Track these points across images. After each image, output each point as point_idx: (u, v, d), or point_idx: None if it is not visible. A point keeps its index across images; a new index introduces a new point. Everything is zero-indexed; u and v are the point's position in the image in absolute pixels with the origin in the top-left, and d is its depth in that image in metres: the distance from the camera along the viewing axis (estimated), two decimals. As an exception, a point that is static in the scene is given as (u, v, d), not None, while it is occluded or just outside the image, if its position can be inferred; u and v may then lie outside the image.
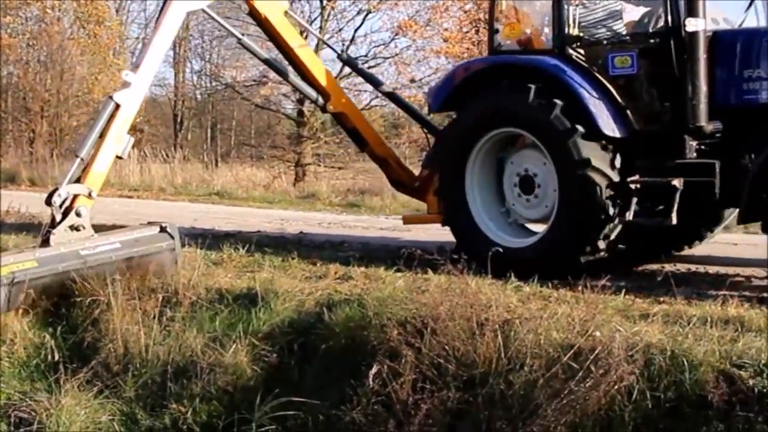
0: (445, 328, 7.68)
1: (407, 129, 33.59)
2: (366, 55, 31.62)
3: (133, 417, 8.50)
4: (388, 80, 31.16)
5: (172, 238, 11.00)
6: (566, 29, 10.80)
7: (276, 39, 12.93)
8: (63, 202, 10.48)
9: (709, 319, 7.86)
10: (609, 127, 10.26)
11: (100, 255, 10.41)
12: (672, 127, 10.16)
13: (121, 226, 11.96)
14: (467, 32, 30.27)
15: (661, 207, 10.06)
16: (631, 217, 10.06)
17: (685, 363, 6.96)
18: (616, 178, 10.18)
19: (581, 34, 10.85)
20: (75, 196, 10.61)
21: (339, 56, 14.59)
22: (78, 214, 10.53)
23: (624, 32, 10.87)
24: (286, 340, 8.77)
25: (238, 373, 8.51)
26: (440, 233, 13.94)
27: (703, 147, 10.21)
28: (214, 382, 8.46)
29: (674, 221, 9.84)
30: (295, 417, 7.94)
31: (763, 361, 6.70)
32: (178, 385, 8.55)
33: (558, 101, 10.25)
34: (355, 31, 31.26)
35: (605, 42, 10.77)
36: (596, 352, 7.11)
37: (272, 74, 32.77)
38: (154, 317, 9.25)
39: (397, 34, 31.47)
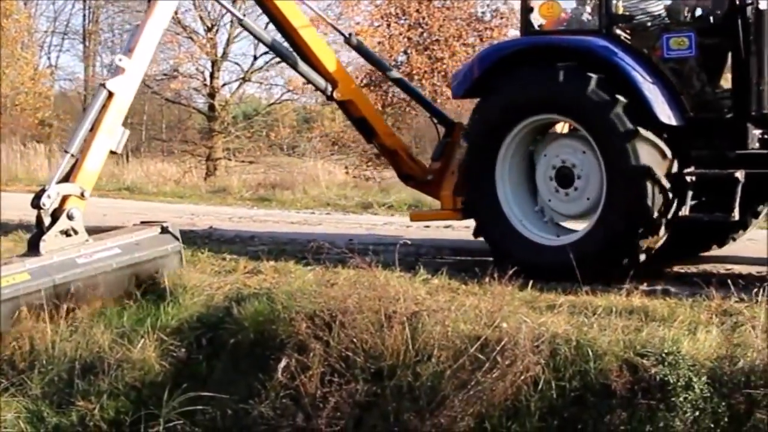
0: (353, 321, 7.68)
1: (319, 123, 33.61)
2: (278, 49, 31.50)
3: (39, 415, 8.33)
4: (300, 74, 31.15)
5: (177, 239, 10.18)
6: (613, 8, 10.06)
7: (279, 21, 12.08)
8: (52, 203, 9.49)
9: (614, 310, 8.00)
10: (665, 114, 9.56)
11: (100, 263, 9.47)
12: (733, 115, 9.60)
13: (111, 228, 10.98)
14: (378, 26, 30.31)
15: (715, 201, 9.49)
16: (687, 212, 9.47)
17: (590, 352, 7.06)
18: (670, 189, 9.44)
19: (629, 13, 10.17)
20: (65, 197, 9.62)
21: (347, 40, 13.40)
22: (70, 217, 9.51)
23: (664, 14, 10.23)
24: (195, 335, 8.70)
25: (146, 369, 8.41)
26: (350, 227, 13.99)
27: (766, 136, 9.61)
28: (122, 378, 8.35)
29: (737, 217, 9.27)
30: (203, 412, 7.87)
31: (665, 350, 6.80)
32: (86, 382, 8.39)
33: (621, 98, 9.48)
34: (267, 24, 31.07)
35: (654, 22, 10.15)
36: (503, 343, 7.17)
37: (183, 68, 32.75)
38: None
39: (308, 29, 31.42)
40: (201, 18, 32.04)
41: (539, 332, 7.29)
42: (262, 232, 13.72)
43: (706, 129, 9.69)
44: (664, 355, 6.74)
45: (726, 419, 6.38)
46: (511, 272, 8.23)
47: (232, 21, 31.06)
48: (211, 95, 31.88)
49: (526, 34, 10.77)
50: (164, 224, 10.22)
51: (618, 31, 10.05)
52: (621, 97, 9.48)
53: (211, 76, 31.95)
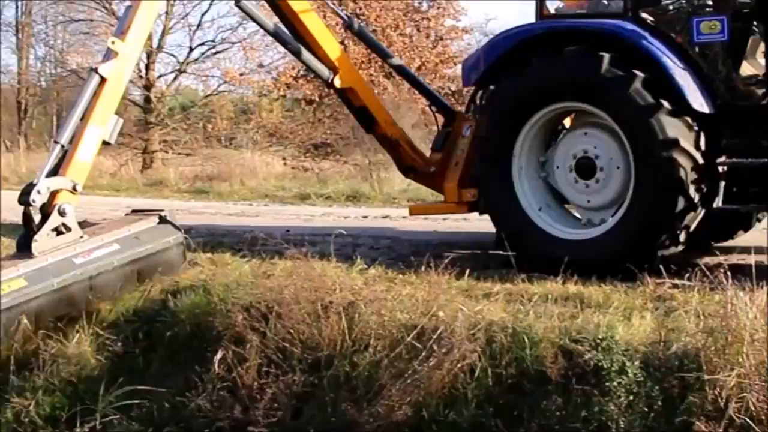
0: (290, 311, 7.68)
1: (256, 114, 33.48)
2: (213, 40, 31.42)
3: (-26, 412, 8.26)
4: (236, 65, 31.08)
5: (178, 229, 9.62)
6: None
7: (278, 6, 11.41)
8: (42, 199, 8.78)
9: (549, 297, 8.04)
10: (697, 101, 9.08)
11: (99, 261, 8.83)
12: (767, 102, 9.22)
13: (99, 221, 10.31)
14: (315, 17, 30.26)
15: (750, 191, 9.07)
16: (720, 204, 9.15)
17: (526, 339, 7.08)
18: (701, 160, 9.02)
19: None
20: (55, 192, 8.90)
21: (348, 25, 12.67)
22: (62, 213, 8.81)
23: None
24: (131, 329, 8.64)
25: (81, 364, 8.33)
26: (287, 219, 13.97)
27: None
28: (57, 374, 8.26)
29: None
30: (140, 406, 7.82)
31: (600, 336, 6.85)
32: (20, 378, 8.29)
33: (638, 72, 9.04)
34: (203, 15, 30.98)
35: (681, 5, 9.76)
36: (439, 331, 7.18)
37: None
38: (-6, 308, 8.97)
39: (244, 19, 31.29)
40: (135, 9, 31.73)
41: (475, 320, 7.31)
42: (199, 225, 13.60)
43: (739, 117, 9.27)
44: (598, 340, 6.78)
45: (659, 403, 6.44)
46: (447, 261, 8.23)
47: (167, 10, 30.84)
48: (147, 87, 31.60)
49: (541, 18, 10.19)
50: (162, 213, 9.65)
51: (644, 15, 9.60)
52: (638, 72, 9.08)
53: (147, 67, 31.67)
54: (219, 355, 7.63)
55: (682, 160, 8.95)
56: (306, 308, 7.70)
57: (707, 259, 9.60)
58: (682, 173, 8.94)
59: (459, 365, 6.98)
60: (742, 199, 9.27)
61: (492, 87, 10.40)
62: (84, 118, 9.25)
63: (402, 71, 13.71)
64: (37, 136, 37.62)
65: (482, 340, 7.13)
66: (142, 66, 31.72)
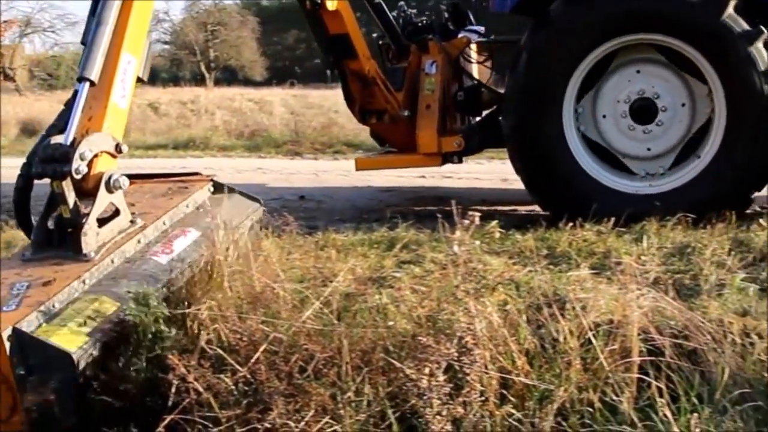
0: None
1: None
2: None
3: None
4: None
5: (256, 201, 7.06)
6: None
7: None
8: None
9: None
10: None
11: (186, 257, 5.87)
12: None
13: None
14: None
15: None
16: None
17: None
18: None
19: None
20: (94, 156, 5.62)
21: None
22: (112, 188, 5.65)
23: None
24: None
25: None
26: None
27: None
28: None
29: None
30: None
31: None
32: None
33: (764, 29, 8.21)
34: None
35: None
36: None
37: None
38: None
39: None
40: None
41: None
42: None
43: None
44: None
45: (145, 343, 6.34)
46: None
47: None
48: None
49: None
50: (212, 177, 6.86)
51: None
52: (764, 29, 8.24)
53: None
54: None
55: None
56: None
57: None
58: None
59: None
60: None
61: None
62: (112, 43, 6.12)
63: None
64: None
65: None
66: None
